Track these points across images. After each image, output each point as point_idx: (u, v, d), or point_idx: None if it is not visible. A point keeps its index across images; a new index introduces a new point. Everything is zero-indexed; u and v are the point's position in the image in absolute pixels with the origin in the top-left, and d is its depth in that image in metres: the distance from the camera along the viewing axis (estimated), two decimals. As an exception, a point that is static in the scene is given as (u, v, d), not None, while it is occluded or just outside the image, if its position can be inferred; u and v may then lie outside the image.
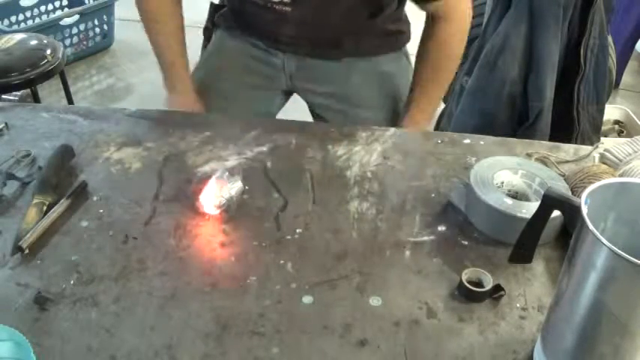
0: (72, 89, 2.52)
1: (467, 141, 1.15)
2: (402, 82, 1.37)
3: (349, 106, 1.38)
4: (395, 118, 1.37)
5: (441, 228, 0.95)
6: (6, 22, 3.06)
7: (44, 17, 3.19)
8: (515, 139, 1.18)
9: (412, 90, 1.33)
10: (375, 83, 1.37)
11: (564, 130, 1.75)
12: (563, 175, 1.02)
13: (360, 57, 1.35)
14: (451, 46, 1.28)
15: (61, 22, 3.06)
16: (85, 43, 3.24)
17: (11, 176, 1.01)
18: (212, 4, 1.49)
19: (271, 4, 1.24)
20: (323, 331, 0.79)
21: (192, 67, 1.42)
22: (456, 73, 1.96)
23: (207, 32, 1.50)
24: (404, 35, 1.39)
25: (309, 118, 1.48)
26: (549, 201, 0.75)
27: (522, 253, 0.84)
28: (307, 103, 1.46)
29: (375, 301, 0.83)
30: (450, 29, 1.26)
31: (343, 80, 1.36)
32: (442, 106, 2.14)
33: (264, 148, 1.12)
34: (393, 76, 1.38)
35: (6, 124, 1.15)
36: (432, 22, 1.26)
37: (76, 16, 3.11)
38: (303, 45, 1.33)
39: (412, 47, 1.37)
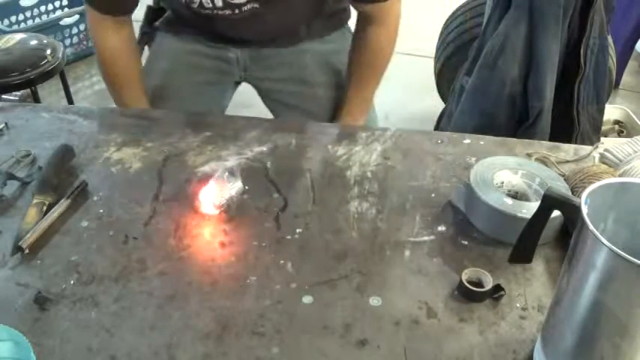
0: (72, 89, 2.52)
1: (467, 141, 1.15)
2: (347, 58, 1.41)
3: (306, 86, 1.41)
4: (341, 92, 1.41)
5: (441, 228, 0.95)
6: (6, 22, 3.06)
7: (44, 17, 3.19)
8: (515, 139, 1.17)
9: (347, 87, 1.37)
10: (326, 61, 1.41)
11: (564, 130, 1.75)
12: (563, 175, 1.01)
13: (312, 39, 1.38)
14: (384, 50, 1.31)
15: (61, 22, 3.06)
16: (85, 43, 3.24)
17: (11, 176, 1.01)
18: (150, 8, 1.43)
19: (239, 9, 1.22)
20: (323, 331, 0.79)
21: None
22: (456, 73, 1.98)
23: (146, 36, 1.44)
24: (346, 12, 1.42)
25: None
26: (549, 201, 0.75)
27: (522, 253, 0.84)
28: (261, 91, 1.48)
29: (375, 301, 0.83)
30: (383, 33, 1.29)
31: (298, 63, 1.39)
32: (442, 105, 2.14)
33: (264, 148, 1.12)
34: (339, 53, 1.41)
35: (6, 124, 1.15)
36: (364, 24, 1.29)
37: (76, 16, 3.11)
38: (262, 40, 1.35)
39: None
